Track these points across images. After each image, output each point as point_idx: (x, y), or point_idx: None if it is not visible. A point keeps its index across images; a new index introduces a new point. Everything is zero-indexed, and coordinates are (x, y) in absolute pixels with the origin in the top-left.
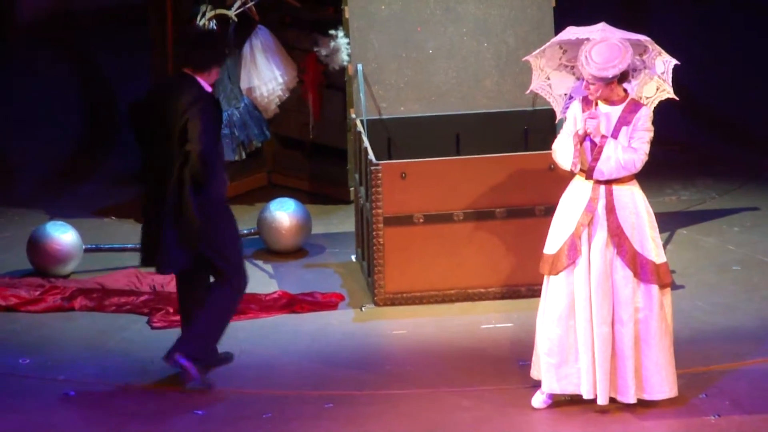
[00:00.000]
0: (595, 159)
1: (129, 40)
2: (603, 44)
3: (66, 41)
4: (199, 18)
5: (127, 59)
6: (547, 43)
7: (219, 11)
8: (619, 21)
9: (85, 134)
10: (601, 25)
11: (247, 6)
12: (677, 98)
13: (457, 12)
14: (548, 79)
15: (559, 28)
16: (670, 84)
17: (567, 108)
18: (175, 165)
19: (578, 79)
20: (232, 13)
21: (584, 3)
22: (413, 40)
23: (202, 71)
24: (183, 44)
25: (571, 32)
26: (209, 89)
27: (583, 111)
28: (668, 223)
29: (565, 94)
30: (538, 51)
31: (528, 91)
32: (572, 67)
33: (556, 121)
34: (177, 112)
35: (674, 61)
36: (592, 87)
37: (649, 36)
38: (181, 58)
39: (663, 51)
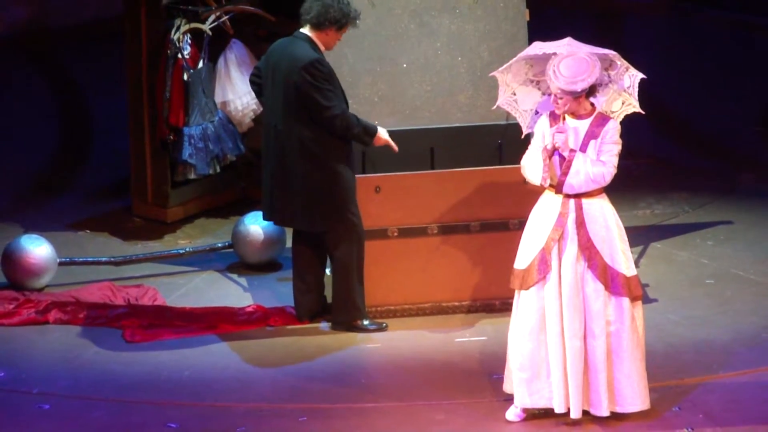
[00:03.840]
0: (564, 173)
1: (104, 54)
2: (571, 58)
3: (42, 55)
4: (173, 32)
5: (102, 73)
6: (514, 59)
7: (194, 25)
8: (592, 35)
9: (59, 148)
10: (567, 40)
11: (222, 20)
12: (643, 112)
13: (431, 26)
14: (514, 94)
15: (531, 43)
16: (636, 98)
17: (534, 123)
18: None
19: (544, 94)
20: (206, 27)
21: (558, 17)
22: (387, 54)
23: (317, 30)
24: (306, 3)
25: (537, 47)
26: (322, 49)
27: (551, 126)
28: (642, 236)
29: (531, 110)
30: (504, 66)
31: (494, 107)
32: (538, 82)
33: (522, 137)
34: (290, 73)
35: (640, 75)
36: (560, 101)
37: (623, 50)
38: (303, 15)
39: (630, 65)
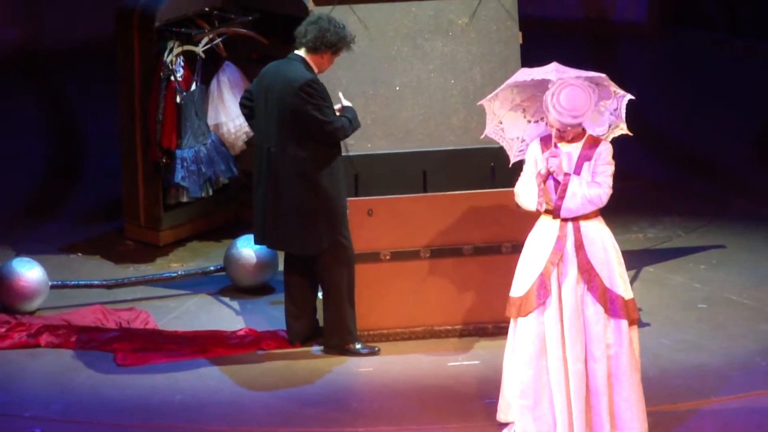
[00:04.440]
0: (561, 197)
1: (97, 76)
2: (569, 90)
3: (34, 76)
4: (166, 54)
5: (94, 95)
6: (501, 87)
7: (187, 47)
8: (586, 58)
9: (51, 170)
10: (554, 65)
11: (215, 42)
12: (631, 134)
13: (424, 49)
14: (501, 123)
15: (525, 66)
16: (624, 119)
17: (521, 151)
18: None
19: (530, 121)
20: (199, 49)
21: (551, 41)
22: (380, 76)
23: (313, 53)
24: (301, 26)
25: (524, 74)
26: (315, 71)
27: (543, 151)
28: (635, 260)
29: (518, 137)
30: (491, 95)
31: (483, 136)
32: (524, 108)
33: (510, 165)
34: (285, 94)
35: (628, 96)
36: (563, 133)
37: (616, 73)
38: (298, 38)
39: (617, 87)
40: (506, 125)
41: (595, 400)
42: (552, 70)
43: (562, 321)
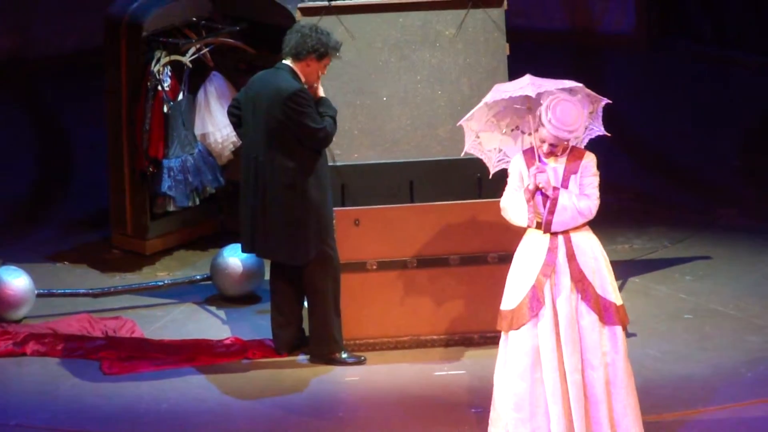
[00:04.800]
0: (551, 212)
1: (84, 85)
2: (563, 105)
3: (22, 86)
4: (154, 64)
5: (82, 105)
6: (477, 106)
7: (174, 57)
8: (572, 69)
9: (38, 179)
10: (528, 78)
11: (202, 52)
12: (609, 134)
13: (411, 60)
14: (478, 137)
15: (512, 77)
16: (600, 122)
17: (500, 161)
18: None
19: (504, 132)
20: (186, 59)
21: (538, 51)
22: (367, 87)
23: (297, 60)
24: (286, 36)
25: (500, 91)
26: (303, 81)
27: (527, 165)
28: (621, 271)
29: (495, 149)
30: (468, 115)
31: (462, 154)
32: (498, 121)
33: (490, 176)
34: (274, 104)
35: (604, 101)
36: (555, 147)
37: (602, 84)
38: (283, 47)
39: (592, 93)
40: (483, 139)
41: (594, 408)
42: (528, 84)
43: (557, 332)
